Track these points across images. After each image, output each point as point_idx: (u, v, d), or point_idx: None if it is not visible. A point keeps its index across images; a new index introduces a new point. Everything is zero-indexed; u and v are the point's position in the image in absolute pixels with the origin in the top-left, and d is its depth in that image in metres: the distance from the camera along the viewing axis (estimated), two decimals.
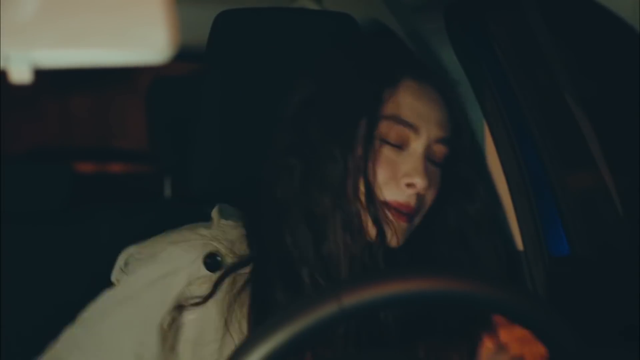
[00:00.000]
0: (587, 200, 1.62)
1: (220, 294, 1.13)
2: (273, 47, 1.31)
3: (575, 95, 1.53)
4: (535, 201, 1.55)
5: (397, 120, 1.15)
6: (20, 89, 3.57)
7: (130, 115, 4.81)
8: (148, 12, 0.53)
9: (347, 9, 1.39)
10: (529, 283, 1.52)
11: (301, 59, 1.25)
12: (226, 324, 1.12)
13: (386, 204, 1.14)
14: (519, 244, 1.54)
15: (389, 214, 1.13)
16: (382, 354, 1.12)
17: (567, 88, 1.53)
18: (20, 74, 0.55)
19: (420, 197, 1.15)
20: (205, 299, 1.12)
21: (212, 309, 1.13)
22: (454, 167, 1.21)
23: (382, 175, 1.14)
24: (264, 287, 1.12)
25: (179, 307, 1.12)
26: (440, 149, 1.18)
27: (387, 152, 1.15)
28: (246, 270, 1.15)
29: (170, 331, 1.13)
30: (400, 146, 1.15)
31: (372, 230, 1.14)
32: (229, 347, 1.10)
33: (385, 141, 1.14)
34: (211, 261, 1.15)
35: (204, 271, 1.14)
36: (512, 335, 1.12)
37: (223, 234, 1.18)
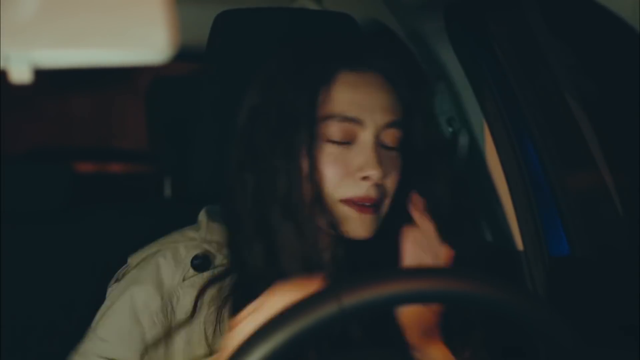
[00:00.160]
0: (587, 200, 1.62)
1: (203, 309, 1.14)
2: (273, 47, 1.31)
3: (575, 95, 1.53)
4: (535, 201, 1.55)
5: (338, 117, 1.14)
6: (20, 89, 3.57)
7: (130, 115, 4.80)
8: (148, 12, 0.54)
9: (347, 9, 1.39)
10: (529, 283, 1.53)
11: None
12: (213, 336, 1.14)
13: (347, 201, 1.13)
14: (519, 244, 1.55)
15: (353, 209, 1.13)
16: (382, 354, 1.12)
17: (567, 88, 1.53)
18: (20, 74, 0.55)
19: (379, 186, 1.14)
20: (191, 315, 1.14)
21: (196, 327, 1.14)
22: (414, 148, 1.20)
23: (335, 174, 1.13)
24: (240, 298, 1.12)
25: (166, 316, 1.14)
26: (392, 133, 1.16)
27: (335, 151, 1.14)
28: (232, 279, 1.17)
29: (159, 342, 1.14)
30: (349, 142, 1.14)
31: (330, 232, 1.15)
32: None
33: (331, 141, 1.14)
34: (199, 262, 1.16)
35: (192, 272, 1.16)
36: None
37: (211, 235, 1.19)
